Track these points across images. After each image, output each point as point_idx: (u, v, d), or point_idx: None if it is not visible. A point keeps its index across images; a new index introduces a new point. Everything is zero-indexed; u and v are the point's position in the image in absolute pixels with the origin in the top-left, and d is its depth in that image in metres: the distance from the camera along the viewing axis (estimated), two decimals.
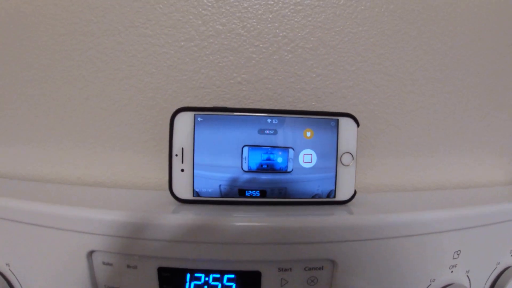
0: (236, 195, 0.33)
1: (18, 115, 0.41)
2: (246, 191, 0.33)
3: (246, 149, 0.33)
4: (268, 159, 0.33)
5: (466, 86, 0.42)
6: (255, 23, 0.37)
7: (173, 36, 0.37)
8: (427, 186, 0.44)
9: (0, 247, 0.36)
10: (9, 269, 0.36)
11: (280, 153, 0.33)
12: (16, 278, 0.36)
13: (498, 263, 0.39)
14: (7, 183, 0.41)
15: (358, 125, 0.34)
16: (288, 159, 0.33)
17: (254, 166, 0.33)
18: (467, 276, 0.38)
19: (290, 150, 0.33)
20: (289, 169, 0.33)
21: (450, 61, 0.41)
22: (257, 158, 0.33)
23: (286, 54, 0.38)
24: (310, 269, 0.34)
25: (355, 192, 0.35)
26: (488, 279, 0.39)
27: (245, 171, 0.33)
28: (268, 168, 0.34)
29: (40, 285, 0.36)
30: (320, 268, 0.34)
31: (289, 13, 0.37)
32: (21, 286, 0.36)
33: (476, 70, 0.42)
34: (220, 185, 0.33)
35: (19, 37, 0.38)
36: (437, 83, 0.41)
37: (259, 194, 0.33)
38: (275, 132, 0.33)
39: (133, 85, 0.38)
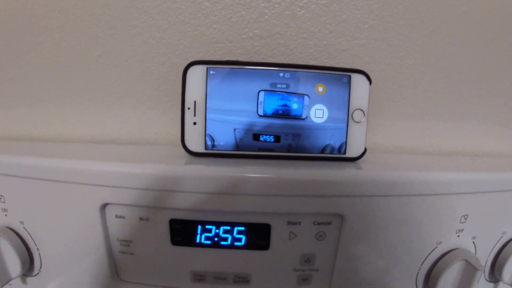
0: (250, 140, 0.35)
1: (30, 76, 0.41)
2: (260, 136, 0.34)
3: (262, 93, 0.34)
4: (284, 104, 0.34)
5: (483, 53, 0.41)
6: None
7: None
8: (437, 151, 0.45)
9: (14, 206, 0.37)
10: (23, 227, 0.37)
11: (295, 99, 0.34)
12: (30, 235, 0.37)
13: (504, 233, 0.39)
14: (21, 144, 0.42)
15: (370, 82, 0.34)
16: (303, 106, 0.34)
17: (269, 111, 0.34)
18: (473, 242, 0.38)
19: (306, 97, 0.34)
20: (303, 116, 0.34)
21: (467, 25, 0.40)
22: (273, 103, 0.34)
23: (299, 9, 0.38)
24: (318, 223, 0.35)
25: (365, 149, 0.36)
26: (493, 248, 0.39)
27: (260, 116, 0.34)
28: (283, 113, 0.34)
29: (54, 241, 0.37)
30: (329, 223, 0.35)
31: None
32: (35, 243, 0.38)
33: (494, 36, 0.41)
34: (235, 129, 0.34)
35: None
36: (453, 46, 0.40)
37: (273, 139, 0.35)
38: (287, 86, 0.34)
39: (146, 41, 0.39)
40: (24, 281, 0.41)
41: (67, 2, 0.38)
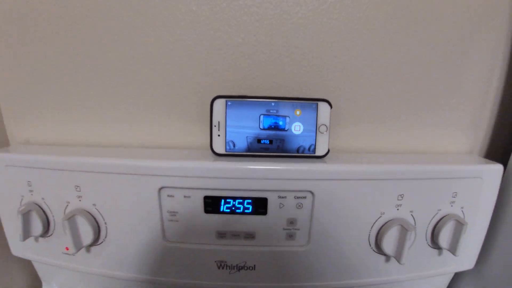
0: (255, 144, 0.43)
1: (95, 92, 0.46)
2: (261, 140, 0.43)
3: (261, 116, 0.42)
4: (275, 122, 0.42)
5: (424, 74, 0.45)
6: (263, 37, 0.44)
7: (210, 46, 0.44)
8: (389, 151, 0.50)
9: (88, 193, 0.43)
10: (95, 208, 0.44)
11: (282, 118, 0.42)
12: (101, 214, 0.44)
13: (439, 210, 0.45)
14: (90, 149, 0.46)
15: (331, 107, 0.42)
16: (286, 123, 0.42)
17: (266, 126, 0.42)
18: (412, 215, 0.45)
19: (288, 118, 0.43)
20: (286, 128, 0.43)
21: (409, 57, 0.44)
22: (268, 121, 0.42)
23: (285, 58, 0.45)
24: (298, 197, 0.44)
25: (329, 150, 0.44)
26: (431, 220, 0.45)
27: (261, 129, 0.42)
28: (274, 127, 0.42)
29: (119, 216, 0.44)
30: (304, 197, 0.44)
31: (287, 30, 0.44)
32: (104, 219, 0.44)
33: (433, 51, 0.45)
34: (246, 137, 0.43)
35: (85, 29, 0.44)
36: (397, 74, 0.45)
37: (268, 142, 0.43)
38: (277, 111, 0.42)
39: (182, 79, 0.46)
40: (88, 250, 0.46)
41: (120, 48, 0.44)
